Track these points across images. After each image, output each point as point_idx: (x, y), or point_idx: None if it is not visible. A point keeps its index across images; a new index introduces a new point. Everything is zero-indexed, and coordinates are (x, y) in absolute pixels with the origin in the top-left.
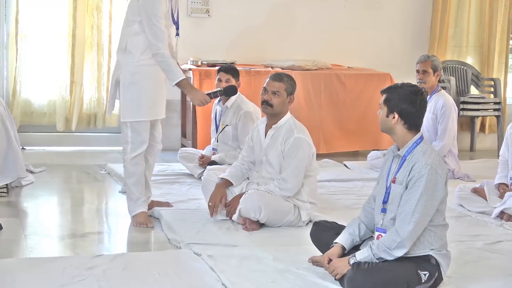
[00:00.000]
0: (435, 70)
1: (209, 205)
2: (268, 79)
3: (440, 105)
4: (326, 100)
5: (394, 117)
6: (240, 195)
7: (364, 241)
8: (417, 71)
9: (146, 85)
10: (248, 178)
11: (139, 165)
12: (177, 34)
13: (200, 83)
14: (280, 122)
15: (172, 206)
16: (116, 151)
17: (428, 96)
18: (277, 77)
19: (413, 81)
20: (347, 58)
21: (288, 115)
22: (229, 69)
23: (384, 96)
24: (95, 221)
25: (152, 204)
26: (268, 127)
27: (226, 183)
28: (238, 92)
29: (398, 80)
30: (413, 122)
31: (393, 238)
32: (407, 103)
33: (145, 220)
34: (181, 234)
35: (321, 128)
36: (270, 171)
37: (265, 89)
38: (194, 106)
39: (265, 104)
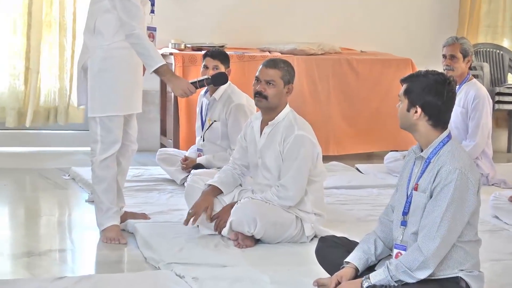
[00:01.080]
0: (465, 55)
1: (189, 213)
2: (260, 67)
3: (471, 97)
4: (335, 91)
5: (416, 112)
6: (231, 205)
7: (380, 260)
8: (444, 56)
9: (120, 73)
10: (241, 185)
11: (110, 168)
12: (152, 11)
13: (184, 70)
14: (277, 118)
15: (149, 218)
16: (82, 152)
17: (457, 86)
18: (271, 63)
19: (439, 68)
20: (360, 40)
21: (287, 108)
22: (218, 54)
23: (405, 86)
24: (56, 236)
25: (125, 216)
26: (263, 123)
27: (214, 191)
28: (229, 81)
29: (421, 66)
30: (439, 117)
31: (415, 256)
32: (432, 95)
33: (117, 235)
34: (160, 252)
35: (329, 124)
36: (267, 176)
37: (257, 79)
38: (176, 98)
39: (258, 96)
